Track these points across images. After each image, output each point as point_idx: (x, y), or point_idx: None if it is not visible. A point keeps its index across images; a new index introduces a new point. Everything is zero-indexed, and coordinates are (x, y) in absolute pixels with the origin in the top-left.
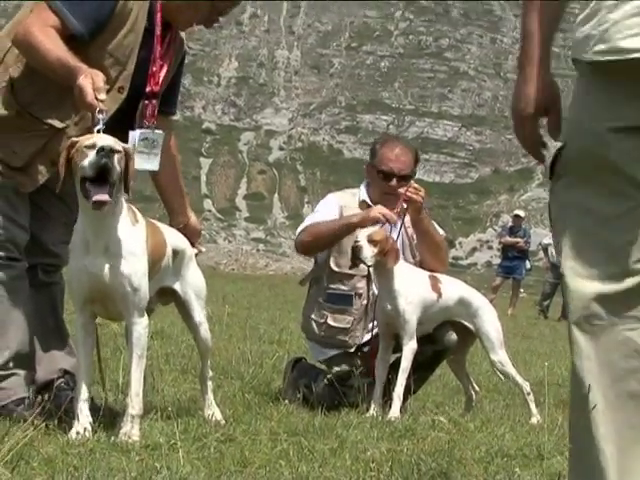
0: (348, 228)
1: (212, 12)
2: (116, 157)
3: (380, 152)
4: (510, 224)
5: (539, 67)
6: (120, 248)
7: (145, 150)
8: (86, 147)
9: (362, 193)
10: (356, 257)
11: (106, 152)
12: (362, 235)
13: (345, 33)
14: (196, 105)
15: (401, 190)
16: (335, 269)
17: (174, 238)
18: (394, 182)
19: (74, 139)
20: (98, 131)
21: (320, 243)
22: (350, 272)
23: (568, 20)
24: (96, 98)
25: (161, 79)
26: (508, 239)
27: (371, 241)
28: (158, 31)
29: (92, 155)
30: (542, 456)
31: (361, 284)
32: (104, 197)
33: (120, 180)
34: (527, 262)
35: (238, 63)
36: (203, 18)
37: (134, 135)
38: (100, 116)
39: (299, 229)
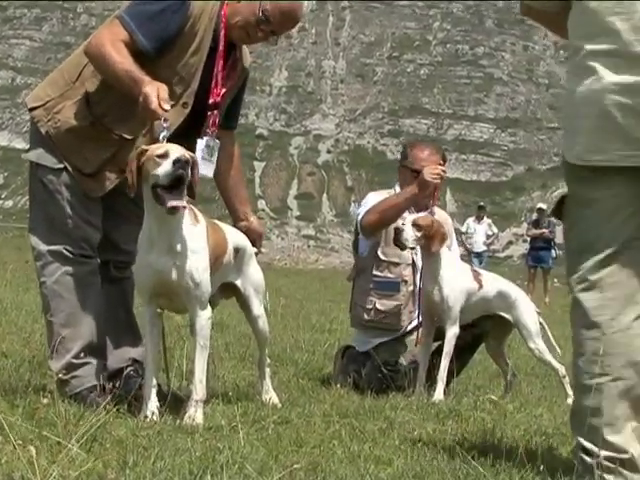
0: (411, 198)
1: (257, 32)
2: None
3: (412, 154)
4: (535, 217)
5: None
6: (183, 247)
7: (207, 157)
8: (157, 156)
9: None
10: (397, 239)
11: (182, 163)
12: (407, 219)
13: (387, 43)
14: (250, 113)
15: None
16: (382, 258)
17: (235, 237)
18: None
19: (144, 147)
20: (162, 139)
21: (386, 219)
22: (396, 260)
23: None
24: (161, 107)
25: (222, 92)
26: (534, 231)
27: (415, 225)
28: (221, 47)
29: (167, 165)
30: None
31: (407, 272)
32: (181, 203)
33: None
34: (553, 251)
35: (288, 73)
36: (254, 38)
37: (201, 143)
38: (165, 124)
39: (360, 216)
